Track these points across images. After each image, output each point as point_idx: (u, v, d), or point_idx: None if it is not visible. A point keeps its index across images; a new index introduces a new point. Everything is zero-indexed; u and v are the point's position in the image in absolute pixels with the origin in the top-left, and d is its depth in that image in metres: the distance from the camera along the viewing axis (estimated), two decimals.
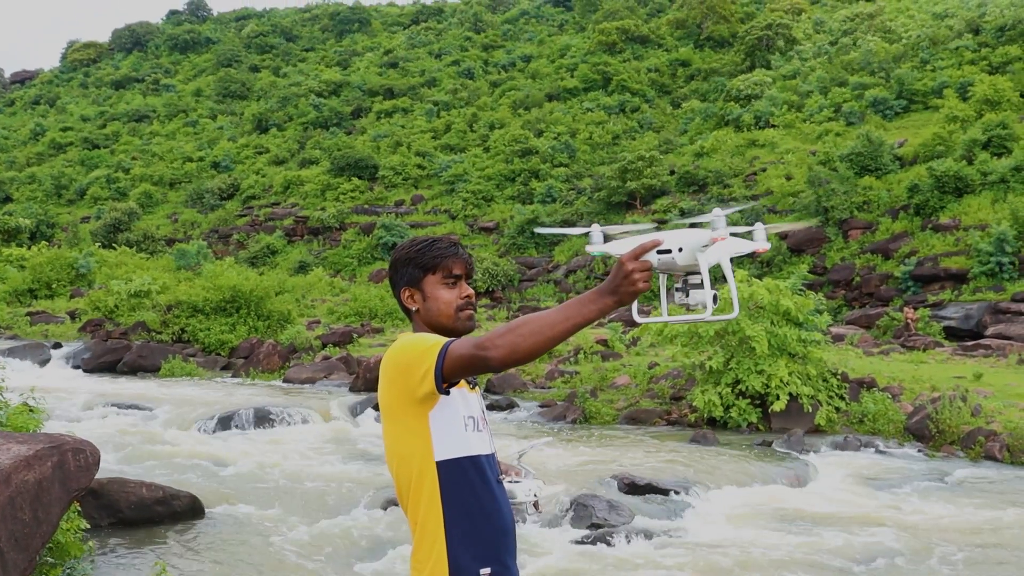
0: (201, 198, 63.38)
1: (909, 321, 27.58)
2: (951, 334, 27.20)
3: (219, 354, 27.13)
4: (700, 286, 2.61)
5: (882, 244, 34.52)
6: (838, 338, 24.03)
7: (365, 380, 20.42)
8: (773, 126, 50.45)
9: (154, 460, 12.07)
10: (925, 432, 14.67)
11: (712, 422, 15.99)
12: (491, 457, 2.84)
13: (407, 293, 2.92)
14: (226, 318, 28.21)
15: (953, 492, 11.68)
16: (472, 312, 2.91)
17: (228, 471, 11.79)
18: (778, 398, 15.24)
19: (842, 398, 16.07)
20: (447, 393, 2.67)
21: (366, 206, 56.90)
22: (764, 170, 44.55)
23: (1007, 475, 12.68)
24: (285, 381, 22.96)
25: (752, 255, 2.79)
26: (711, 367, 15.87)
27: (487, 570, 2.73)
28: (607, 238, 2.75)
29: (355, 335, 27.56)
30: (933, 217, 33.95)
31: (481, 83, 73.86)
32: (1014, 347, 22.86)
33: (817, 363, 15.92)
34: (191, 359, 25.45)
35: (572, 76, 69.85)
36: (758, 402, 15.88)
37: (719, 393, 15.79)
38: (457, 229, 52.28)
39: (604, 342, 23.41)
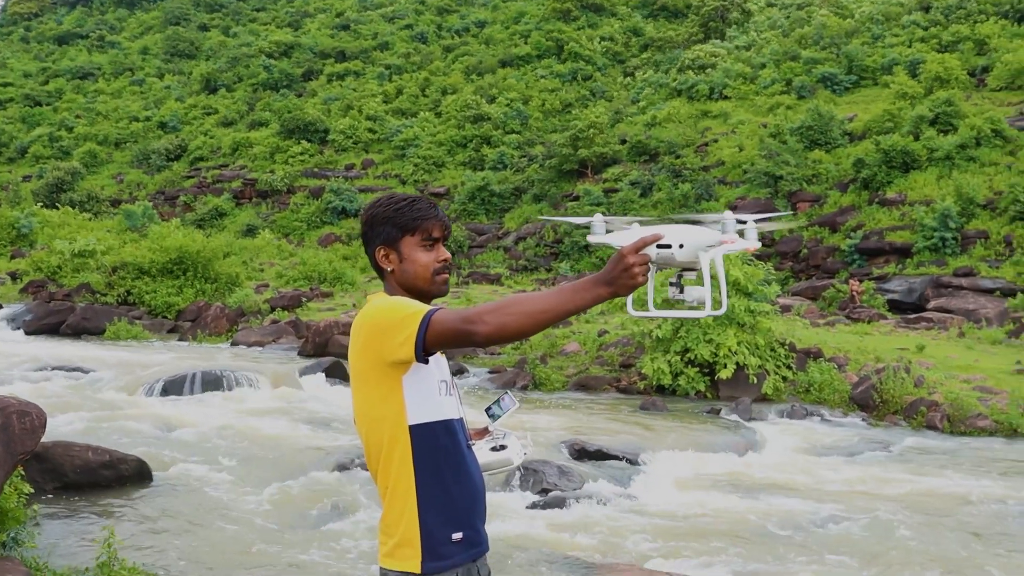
0: (147, 159, 62.22)
1: (854, 293, 28.05)
2: (894, 307, 27.73)
3: (165, 317, 26.80)
4: (697, 283, 2.61)
5: (829, 217, 34.98)
6: (785, 308, 24.30)
7: (314, 344, 20.31)
8: (726, 97, 50.66)
9: (100, 424, 11.87)
10: (869, 402, 14.97)
11: (661, 390, 16.15)
12: (461, 421, 2.81)
13: (382, 252, 2.84)
14: (173, 280, 27.84)
15: (896, 460, 11.94)
16: (447, 276, 2.86)
17: (176, 435, 11.65)
18: (725, 366, 15.44)
19: (789, 367, 16.31)
20: (426, 362, 2.62)
21: (316, 169, 56.30)
22: (716, 141, 44.77)
23: (947, 444, 13.00)
24: (233, 344, 22.76)
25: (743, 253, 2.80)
26: (660, 335, 16.00)
27: (459, 535, 2.72)
28: (608, 229, 2.73)
29: (304, 299, 27.37)
30: (880, 192, 34.43)
31: (434, 48, 73.19)
32: (955, 320, 23.36)
33: (765, 333, 16.11)
34: (137, 322, 25.10)
35: (526, 43, 69.42)
36: (707, 370, 16.05)
37: (668, 361, 15.95)
38: None
39: None
